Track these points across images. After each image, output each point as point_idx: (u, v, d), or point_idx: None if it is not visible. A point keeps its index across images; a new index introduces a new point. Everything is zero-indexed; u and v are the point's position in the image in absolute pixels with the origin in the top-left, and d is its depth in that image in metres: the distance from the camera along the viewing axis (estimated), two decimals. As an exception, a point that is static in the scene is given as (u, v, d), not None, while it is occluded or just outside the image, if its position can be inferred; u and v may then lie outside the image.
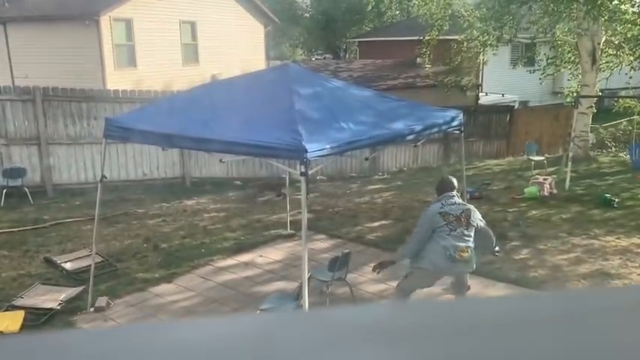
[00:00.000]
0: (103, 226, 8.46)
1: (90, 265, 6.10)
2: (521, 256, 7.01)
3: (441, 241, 4.70)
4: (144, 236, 8.11)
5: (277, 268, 6.89)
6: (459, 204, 4.94)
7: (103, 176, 5.82)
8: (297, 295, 4.86)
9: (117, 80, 15.41)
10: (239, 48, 20.40)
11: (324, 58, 36.66)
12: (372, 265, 5.20)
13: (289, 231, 8.03)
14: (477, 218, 4.95)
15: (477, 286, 6.18)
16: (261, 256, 7.33)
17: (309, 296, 4.56)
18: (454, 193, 5.00)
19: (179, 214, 9.44)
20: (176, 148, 6.96)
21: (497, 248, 5.69)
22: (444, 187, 5.08)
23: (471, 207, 5.06)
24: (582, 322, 0.45)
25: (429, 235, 4.79)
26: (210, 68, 18.53)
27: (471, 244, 4.78)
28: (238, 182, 12.00)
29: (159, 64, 17.54)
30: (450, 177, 5.24)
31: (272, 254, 7.36)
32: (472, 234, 4.81)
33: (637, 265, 6.63)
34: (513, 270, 6.56)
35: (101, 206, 6.39)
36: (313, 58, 36.47)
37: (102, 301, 5.85)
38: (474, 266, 4.94)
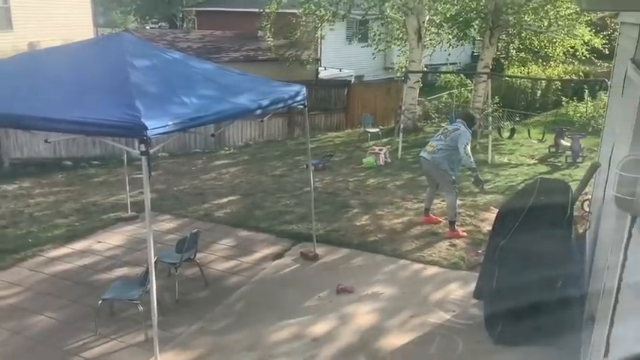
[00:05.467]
0: None
1: None
2: (362, 222, 7.45)
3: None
4: (-46, 229, 7.04)
5: (119, 254, 6.46)
6: (455, 126, 7.02)
7: None
8: (144, 280, 4.60)
9: None
10: (61, 13, 18.37)
11: (160, 27, 34.73)
12: (478, 188, 7.55)
13: (130, 213, 7.55)
14: (457, 135, 6.81)
15: (322, 253, 6.46)
16: (99, 242, 6.81)
17: (156, 280, 4.33)
18: (459, 121, 7.05)
19: (-2, 201, 8.35)
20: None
21: (475, 181, 7.06)
22: (457, 117, 7.85)
23: (461, 131, 6.85)
24: None
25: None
26: (27, 35, 16.44)
27: (441, 147, 6.87)
28: (68, 162, 10.96)
29: (-39, 28, 15.12)
30: (467, 111, 8.90)
31: (112, 239, 6.88)
32: (446, 142, 6.85)
33: (459, 224, 7.45)
34: (356, 236, 6.96)
35: None
36: (148, 27, 34.26)
37: None
38: (438, 163, 6.88)
